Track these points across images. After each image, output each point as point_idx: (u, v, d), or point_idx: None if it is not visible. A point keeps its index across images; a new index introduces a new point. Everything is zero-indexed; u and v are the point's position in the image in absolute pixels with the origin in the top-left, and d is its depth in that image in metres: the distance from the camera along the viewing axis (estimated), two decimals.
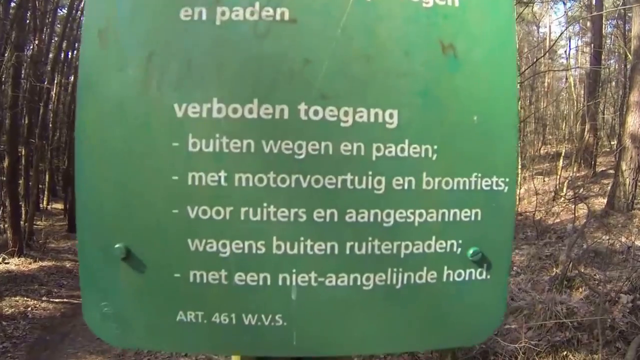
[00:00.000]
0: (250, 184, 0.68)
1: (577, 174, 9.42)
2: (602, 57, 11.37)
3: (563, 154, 9.09)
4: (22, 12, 10.22)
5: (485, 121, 0.72)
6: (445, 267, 0.72)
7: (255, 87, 0.68)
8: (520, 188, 8.56)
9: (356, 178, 0.69)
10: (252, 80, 0.68)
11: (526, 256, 5.80)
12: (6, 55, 9.43)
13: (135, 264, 0.70)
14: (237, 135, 0.68)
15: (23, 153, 12.78)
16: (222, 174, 0.68)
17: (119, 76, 0.68)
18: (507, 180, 0.73)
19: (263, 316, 0.71)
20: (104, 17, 0.68)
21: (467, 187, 0.72)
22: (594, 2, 10.92)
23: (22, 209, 12.49)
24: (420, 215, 0.71)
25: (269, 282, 0.70)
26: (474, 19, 0.71)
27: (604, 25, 11.69)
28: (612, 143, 11.68)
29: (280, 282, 0.70)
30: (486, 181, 0.72)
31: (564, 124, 12.60)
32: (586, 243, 5.60)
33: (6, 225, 11.98)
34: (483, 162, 0.72)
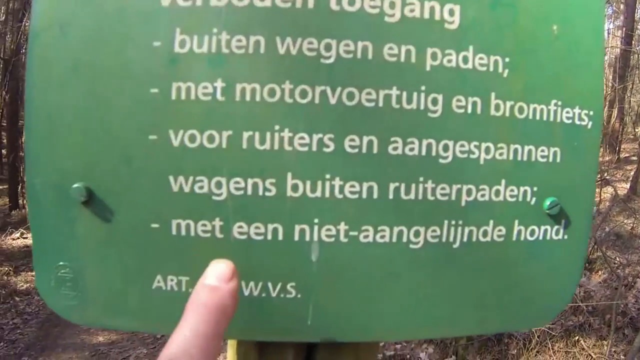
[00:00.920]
0: (257, 97, 0.48)
1: (602, 159, 9.25)
2: (633, 41, 11.17)
3: None
4: None
5: (567, 34, 0.53)
6: (516, 222, 0.53)
7: None
8: None
9: (404, 94, 0.49)
10: None
11: None
12: (24, 22, 9.32)
13: (99, 210, 0.50)
14: (241, 29, 0.48)
15: None
16: (219, 84, 0.48)
17: None
18: (592, 113, 0.55)
19: (269, 285, 0.51)
20: None
21: (544, 118, 0.53)
22: None
23: None
24: (487, 150, 0.51)
25: (280, 237, 0.49)
26: None
27: (637, 9, 11.46)
28: (637, 130, 11.44)
29: (296, 237, 0.49)
30: (567, 112, 0.54)
31: None
32: (608, 226, 5.49)
33: (25, 201, 12.17)
34: (564, 87, 0.54)
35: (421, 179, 0.50)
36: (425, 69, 0.50)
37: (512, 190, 0.53)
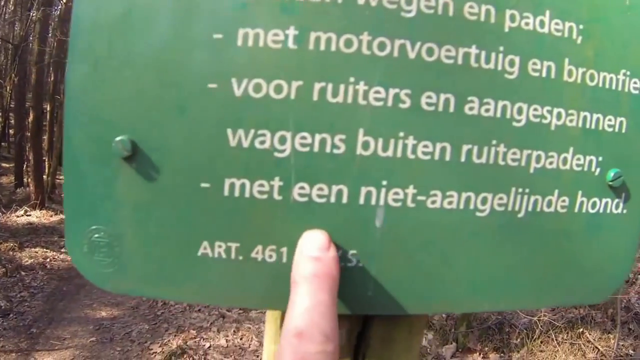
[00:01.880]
0: (333, 47, 0.44)
1: None
2: None
3: None
4: None
5: (638, 4, 0.53)
6: (580, 193, 0.52)
7: None
8: None
9: (483, 53, 0.47)
10: None
11: None
12: (32, 11, 9.45)
13: (143, 167, 0.45)
14: None
15: (48, 108, 12.97)
16: (292, 31, 0.44)
17: None
18: None
19: None
20: None
21: (612, 87, 0.52)
22: None
23: (46, 163, 12.74)
24: (559, 116, 0.49)
25: (344, 200, 0.45)
26: None
27: None
28: None
29: (361, 200, 0.45)
30: (635, 83, 0.53)
31: None
32: None
33: (29, 179, 12.26)
34: (633, 57, 0.53)
35: (494, 141, 0.48)
36: (503, 29, 0.48)
37: (578, 159, 0.51)
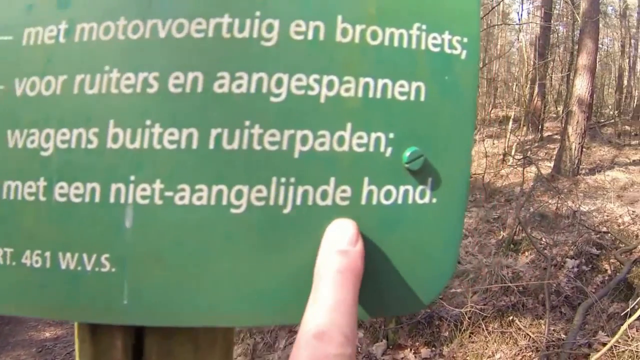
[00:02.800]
0: (94, 36, 0.42)
1: (525, 138, 9.53)
2: (552, 20, 11.62)
3: (512, 117, 9.03)
4: None
5: None
6: (366, 180, 0.43)
7: None
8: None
9: (236, 21, 0.42)
10: None
11: (474, 219, 5.73)
12: None
13: None
14: None
15: None
16: (63, 25, 0.42)
17: None
18: (466, 40, 0.44)
19: (85, 256, 0.43)
20: None
21: (403, 45, 0.43)
22: None
23: None
24: (330, 84, 0.41)
25: (96, 198, 0.42)
26: None
27: None
28: (559, 109, 11.90)
29: (112, 199, 0.42)
30: (434, 38, 0.44)
31: (514, 87, 12.79)
32: (533, 206, 5.61)
33: None
34: (429, 7, 0.44)
35: (247, 122, 0.41)
36: None
37: (360, 138, 0.42)
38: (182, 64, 0.42)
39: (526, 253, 4.76)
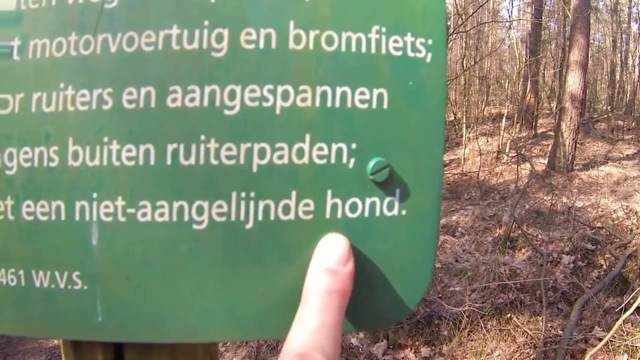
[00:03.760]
0: (47, 53, 0.42)
1: (519, 135, 9.55)
2: (543, 17, 11.61)
3: (505, 115, 9.06)
4: None
5: None
6: (329, 193, 0.41)
7: None
8: (465, 148, 8.59)
9: (185, 32, 0.41)
10: None
11: (470, 217, 5.76)
12: None
13: None
14: None
15: None
16: (16, 42, 0.42)
17: None
18: (431, 42, 0.42)
19: (57, 274, 0.43)
20: None
21: (362, 50, 0.41)
22: None
23: None
24: (285, 94, 0.40)
25: (62, 216, 0.42)
26: None
27: None
28: (552, 105, 11.91)
29: (77, 216, 0.42)
30: (395, 41, 0.41)
31: (507, 84, 12.78)
32: (528, 203, 5.63)
33: None
34: (388, 9, 0.42)
35: (202, 137, 0.40)
36: (210, 1, 0.41)
37: (320, 149, 0.41)
38: (134, 79, 0.41)
39: (522, 250, 4.77)
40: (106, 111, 0.41)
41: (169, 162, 0.41)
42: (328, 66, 0.41)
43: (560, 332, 3.62)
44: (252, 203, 0.41)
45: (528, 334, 3.65)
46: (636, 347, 3.13)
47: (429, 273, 0.44)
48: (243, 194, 0.41)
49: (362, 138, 0.41)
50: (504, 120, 8.81)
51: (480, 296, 4.06)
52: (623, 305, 3.14)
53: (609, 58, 15.01)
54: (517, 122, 9.81)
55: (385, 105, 0.41)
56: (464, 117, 9.52)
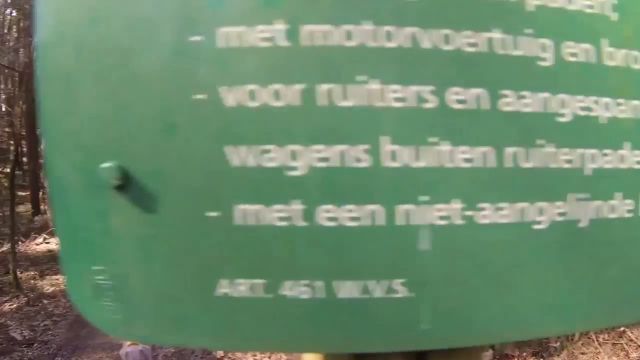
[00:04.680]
0: (331, 41, 0.39)
1: None
2: None
3: None
4: None
5: None
6: None
7: None
8: None
9: (509, 38, 0.40)
10: None
11: None
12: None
13: (138, 197, 0.40)
14: None
15: None
16: (280, 25, 0.39)
17: None
18: None
19: (371, 284, 0.40)
20: None
21: None
22: None
23: None
24: (607, 106, 0.42)
25: (381, 221, 0.39)
26: None
27: None
28: None
29: (399, 221, 0.39)
30: None
31: None
32: None
33: (47, 207, 12.41)
34: None
35: (541, 141, 0.41)
36: (527, 8, 0.41)
37: (637, 156, 0.44)
38: (460, 79, 0.40)
39: None
40: (429, 110, 0.39)
41: (509, 164, 0.41)
42: (637, 82, 0.44)
43: None
44: (586, 203, 0.43)
45: None
46: None
47: None
48: (579, 195, 0.43)
49: None
50: None
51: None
52: None
53: None
54: None
55: None
56: None
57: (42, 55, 0.41)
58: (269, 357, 4.86)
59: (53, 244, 10.93)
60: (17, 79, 10.78)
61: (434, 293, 0.41)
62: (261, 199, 0.39)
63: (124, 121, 0.39)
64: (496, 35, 0.40)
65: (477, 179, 0.40)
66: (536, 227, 0.42)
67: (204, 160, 0.39)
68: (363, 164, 0.39)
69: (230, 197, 0.39)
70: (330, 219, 0.39)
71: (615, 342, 3.56)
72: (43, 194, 14.27)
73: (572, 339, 3.57)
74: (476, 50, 0.40)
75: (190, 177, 0.39)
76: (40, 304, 7.22)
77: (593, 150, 0.42)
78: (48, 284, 8.17)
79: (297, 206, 0.39)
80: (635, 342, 3.50)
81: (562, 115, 0.41)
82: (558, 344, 3.62)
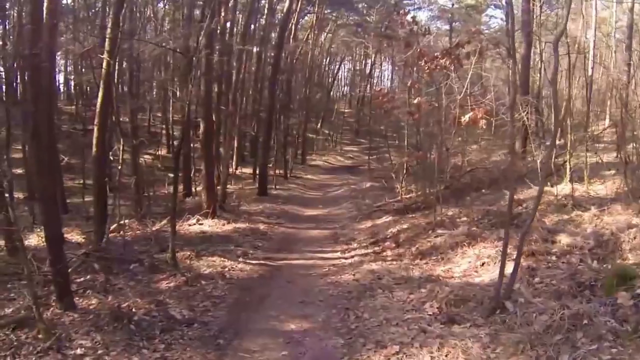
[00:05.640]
0: None
1: None
2: None
3: None
4: None
5: None
6: None
7: None
8: None
9: None
10: None
11: None
12: (204, 23, 9.88)
13: None
14: None
15: (214, 119, 13.56)
16: None
17: None
18: None
19: None
20: None
21: None
22: None
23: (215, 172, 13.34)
24: None
25: None
26: None
27: None
28: None
29: None
30: None
31: None
32: None
33: (199, 189, 12.90)
34: None
35: None
36: None
37: None
38: None
39: None
40: None
41: None
42: None
43: None
44: None
45: None
46: None
47: None
48: None
49: None
50: None
51: None
52: None
53: None
54: None
55: None
56: None
57: None
58: (446, 355, 4.53)
59: (206, 226, 11.25)
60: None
61: None
62: None
63: None
64: None
65: None
66: None
67: None
68: None
69: None
70: None
71: None
72: (195, 176, 14.82)
73: None
74: None
75: None
76: (198, 285, 7.33)
77: None
78: (205, 265, 8.33)
79: None
80: None
81: None
82: None
